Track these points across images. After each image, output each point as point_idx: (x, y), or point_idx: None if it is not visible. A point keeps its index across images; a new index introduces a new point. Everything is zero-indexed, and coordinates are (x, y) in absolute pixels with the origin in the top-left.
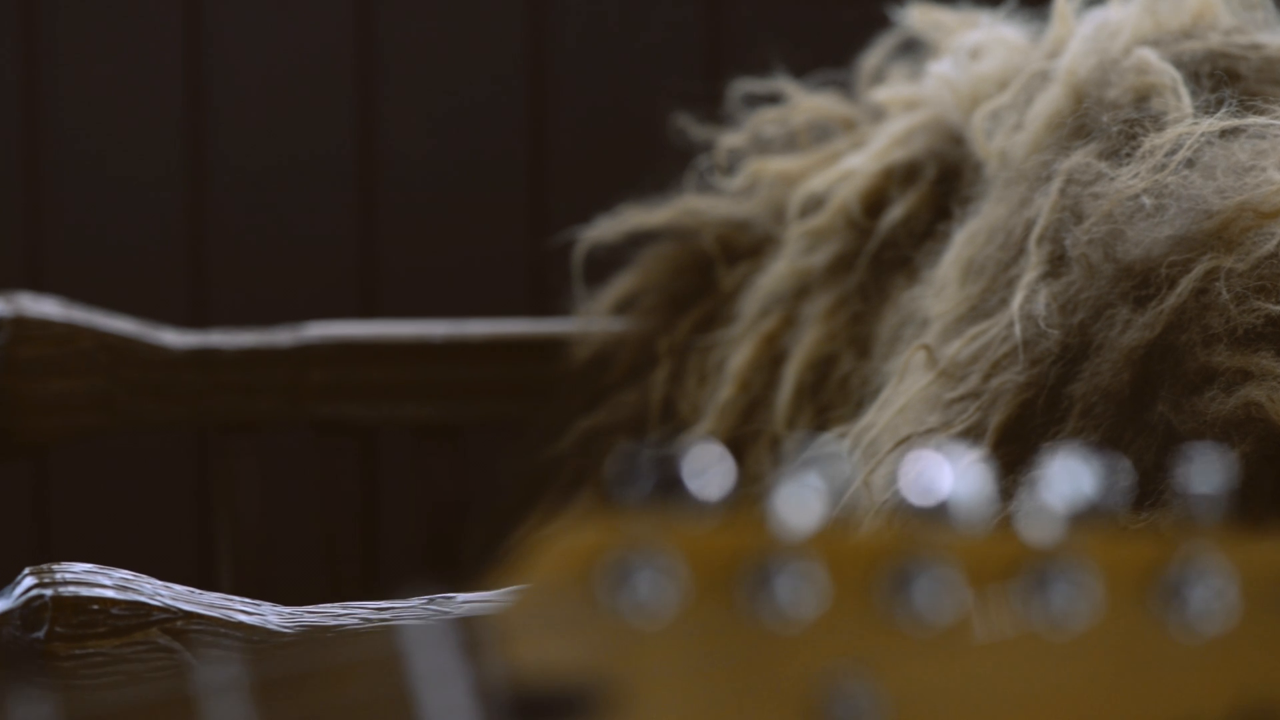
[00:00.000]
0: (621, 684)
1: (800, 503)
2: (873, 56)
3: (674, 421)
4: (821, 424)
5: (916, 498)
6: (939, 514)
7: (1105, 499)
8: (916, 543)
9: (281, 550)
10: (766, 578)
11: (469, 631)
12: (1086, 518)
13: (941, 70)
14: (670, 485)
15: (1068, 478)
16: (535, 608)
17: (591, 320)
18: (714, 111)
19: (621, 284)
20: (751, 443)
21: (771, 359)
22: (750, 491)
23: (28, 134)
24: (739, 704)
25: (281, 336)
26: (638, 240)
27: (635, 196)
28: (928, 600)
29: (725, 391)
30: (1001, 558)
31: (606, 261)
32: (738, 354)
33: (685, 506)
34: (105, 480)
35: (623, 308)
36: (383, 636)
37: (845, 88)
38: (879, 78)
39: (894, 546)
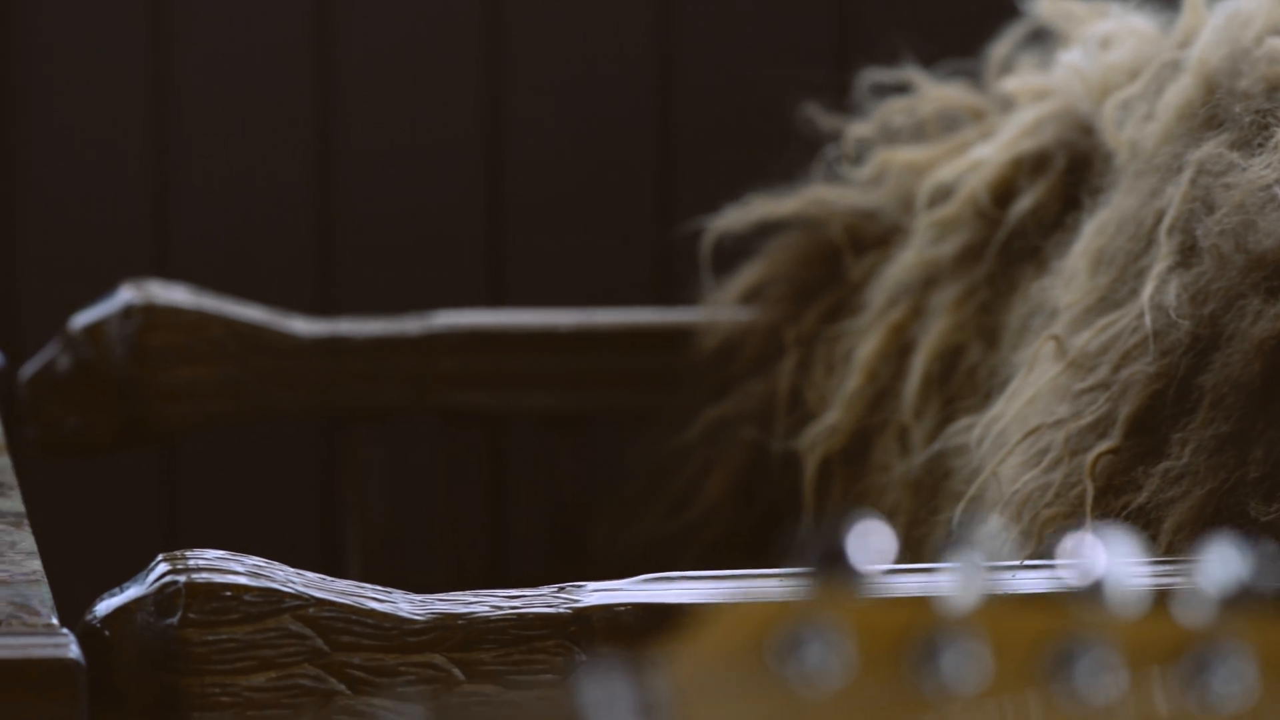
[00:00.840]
0: None
1: (965, 579)
2: (1001, 46)
3: (801, 411)
4: (949, 415)
5: (1075, 577)
6: (1096, 593)
7: (1259, 582)
8: (1078, 622)
9: (407, 538)
10: (933, 652)
11: (644, 693)
12: (1241, 601)
13: (1071, 60)
14: (835, 557)
15: (1222, 562)
16: (709, 673)
17: (719, 310)
18: (842, 101)
19: (749, 273)
20: (879, 433)
21: (899, 349)
22: (910, 559)
23: (156, 120)
24: None
25: (410, 325)
26: (765, 230)
27: (763, 186)
28: (1088, 680)
29: (852, 381)
30: (1161, 640)
31: (734, 251)
32: (865, 344)
33: (851, 579)
34: (231, 467)
35: (750, 297)
36: (562, 697)
37: (973, 78)
38: (1007, 68)
39: (1057, 626)
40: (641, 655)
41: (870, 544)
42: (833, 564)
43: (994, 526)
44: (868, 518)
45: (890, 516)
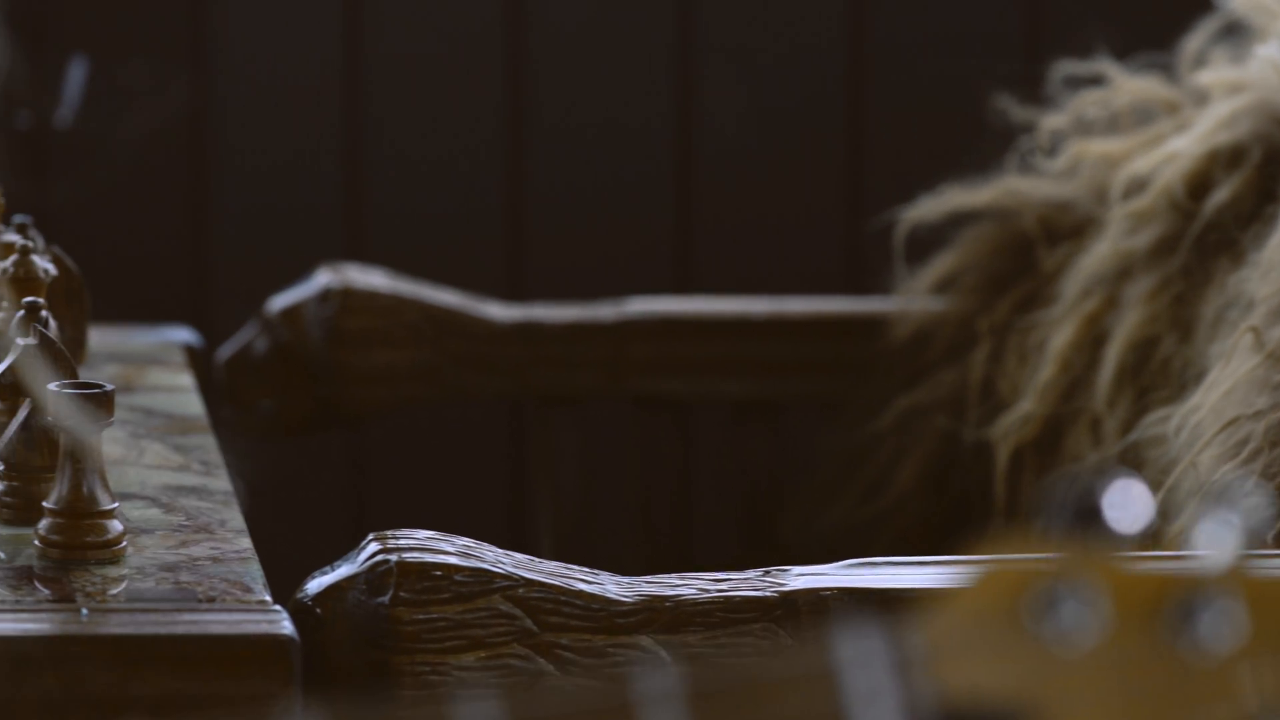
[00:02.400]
0: (1044, 709)
1: (1221, 538)
2: (1195, 39)
3: (993, 401)
4: (1142, 406)
5: None
6: None
7: None
8: None
9: (598, 522)
10: (1190, 612)
11: (899, 651)
12: None
13: (1267, 53)
14: (1090, 516)
15: None
16: (964, 631)
17: (911, 299)
18: (1035, 93)
19: (942, 263)
20: (1071, 423)
21: (1093, 339)
22: (1165, 525)
23: (348, 107)
24: None
25: (603, 311)
26: (958, 220)
27: (955, 176)
28: None
29: (1046, 371)
30: None
31: (926, 240)
32: (1059, 334)
33: (1106, 538)
34: (420, 450)
35: (943, 287)
36: (815, 653)
37: (1167, 70)
38: (1201, 61)
39: None
40: (897, 615)
41: (1127, 503)
42: (1088, 523)
43: (1252, 489)
44: (1124, 476)
45: None
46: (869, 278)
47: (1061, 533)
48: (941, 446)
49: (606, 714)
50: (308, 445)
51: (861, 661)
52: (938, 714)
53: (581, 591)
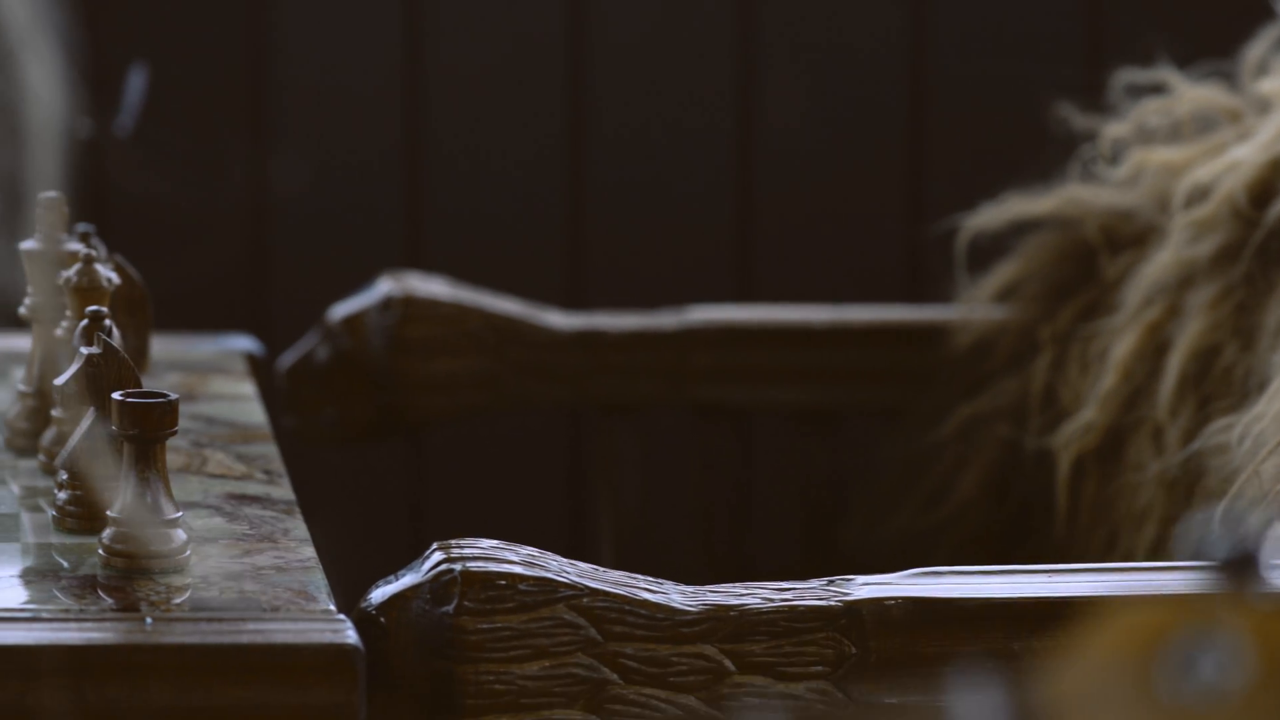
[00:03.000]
0: None
1: None
2: (1257, 47)
3: (1054, 409)
4: (1205, 414)
5: None
6: None
7: None
8: None
9: (659, 530)
10: None
11: (1023, 708)
12: None
13: None
14: (1243, 565)
15: None
16: (1094, 686)
17: (973, 307)
18: (1097, 101)
19: (1004, 272)
20: (1133, 432)
21: (1155, 348)
22: (1162, 557)
23: (409, 114)
24: None
25: (665, 319)
26: (1020, 228)
27: (1017, 185)
28: None
29: (1108, 380)
30: None
31: (988, 249)
32: (1121, 342)
33: (1256, 587)
34: (478, 457)
35: (1004, 295)
36: (923, 711)
37: (1229, 78)
38: (1263, 69)
39: None
40: (1014, 659)
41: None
42: (1241, 567)
43: None
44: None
45: (1143, 515)
46: (930, 286)
47: (1208, 577)
48: (1003, 455)
49: None
50: (369, 453)
51: (980, 715)
52: None
53: (646, 601)
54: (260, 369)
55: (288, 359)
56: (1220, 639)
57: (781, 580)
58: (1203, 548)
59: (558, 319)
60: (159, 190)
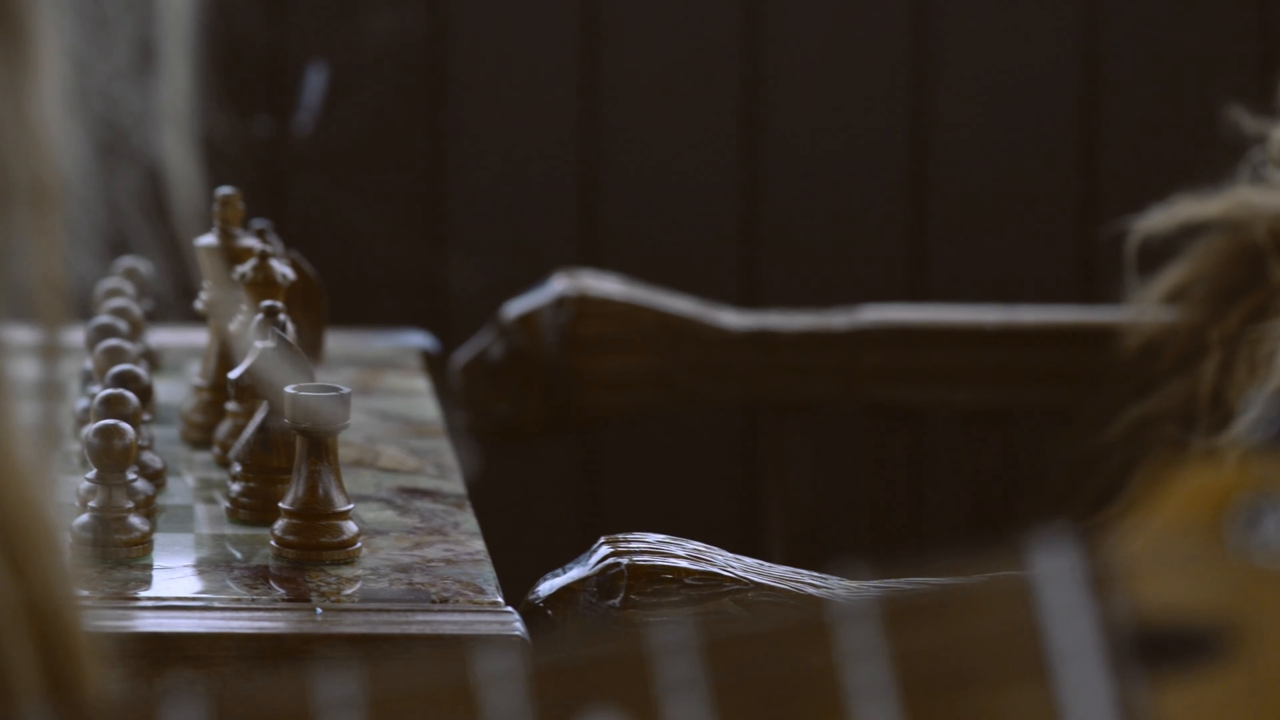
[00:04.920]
0: (1246, 626)
1: None
2: None
3: (1223, 411)
4: None
5: None
6: None
7: None
8: None
9: (830, 526)
10: None
11: (1095, 568)
12: None
13: None
14: None
15: None
16: (1162, 546)
17: (1142, 309)
18: (1268, 105)
19: (1173, 274)
20: None
21: None
22: None
23: (584, 114)
24: None
25: (837, 319)
26: (1190, 231)
27: (1187, 187)
28: None
29: (1276, 382)
30: None
31: (1158, 251)
32: None
33: None
34: (651, 454)
35: (1174, 297)
36: (1011, 569)
37: None
38: None
39: None
40: (1089, 528)
41: None
42: None
43: None
44: None
45: None
46: (1101, 287)
47: (1270, 444)
48: (1171, 456)
49: (807, 630)
50: (542, 450)
51: (1056, 578)
52: (1135, 630)
53: (810, 595)
54: (435, 365)
55: (462, 355)
56: None
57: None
58: (1262, 417)
59: (730, 318)
60: (335, 187)
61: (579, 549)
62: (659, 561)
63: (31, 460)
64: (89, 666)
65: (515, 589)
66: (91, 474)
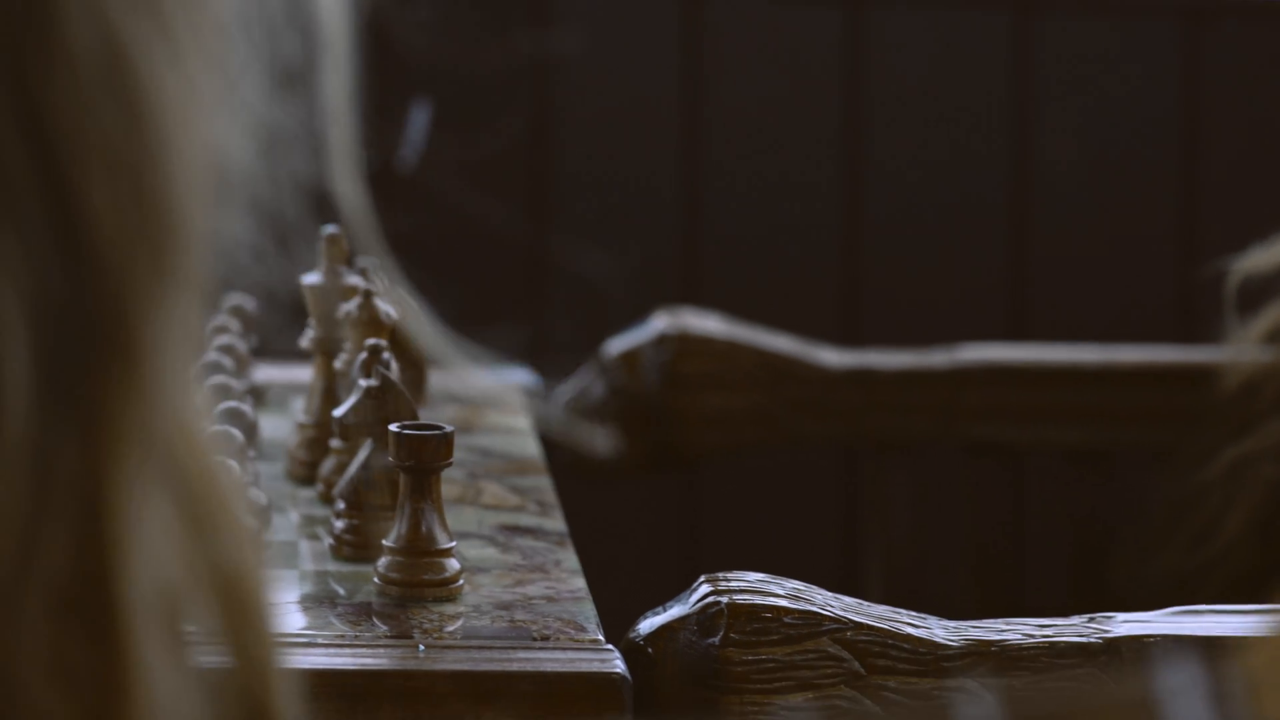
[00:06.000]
0: None
1: None
2: None
3: None
4: None
5: None
6: None
7: None
8: None
9: (930, 565)
10: None
11: (1219, 682)
12: None
13: None
14: None
15: None
16: None
17: (1242, 349)
18: None
19: (1272, 313)
20: None
21: None
22: None
23: (686, 150)
24: None
25: (937, 358)
26: None
27: None
28: None
29: None
30: None
31: (1258, 290)
32: None
33: None
34: (752, 492)
35: (1273, 337)
36: (1136, 682)
37: None
38: None
39: None
40: (1218, 644)
41: None
42: None
43: None
44: None
45: None
46: (1201, 326)
47: None
48: (1270, 495)
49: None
50: (643, 487)
51: (1181, 692)
52: None
53: (909, 635)
54: (537, 402)
55: (564, 393)
56: None
57: (1046, 617)
58: None
59: (830, 356)
60: (439, 225)
61: (680, 587)
62: (759, 600)
63: (248, 524)
64: (288, 714)
65: (617, 626)
66: (193, 372)
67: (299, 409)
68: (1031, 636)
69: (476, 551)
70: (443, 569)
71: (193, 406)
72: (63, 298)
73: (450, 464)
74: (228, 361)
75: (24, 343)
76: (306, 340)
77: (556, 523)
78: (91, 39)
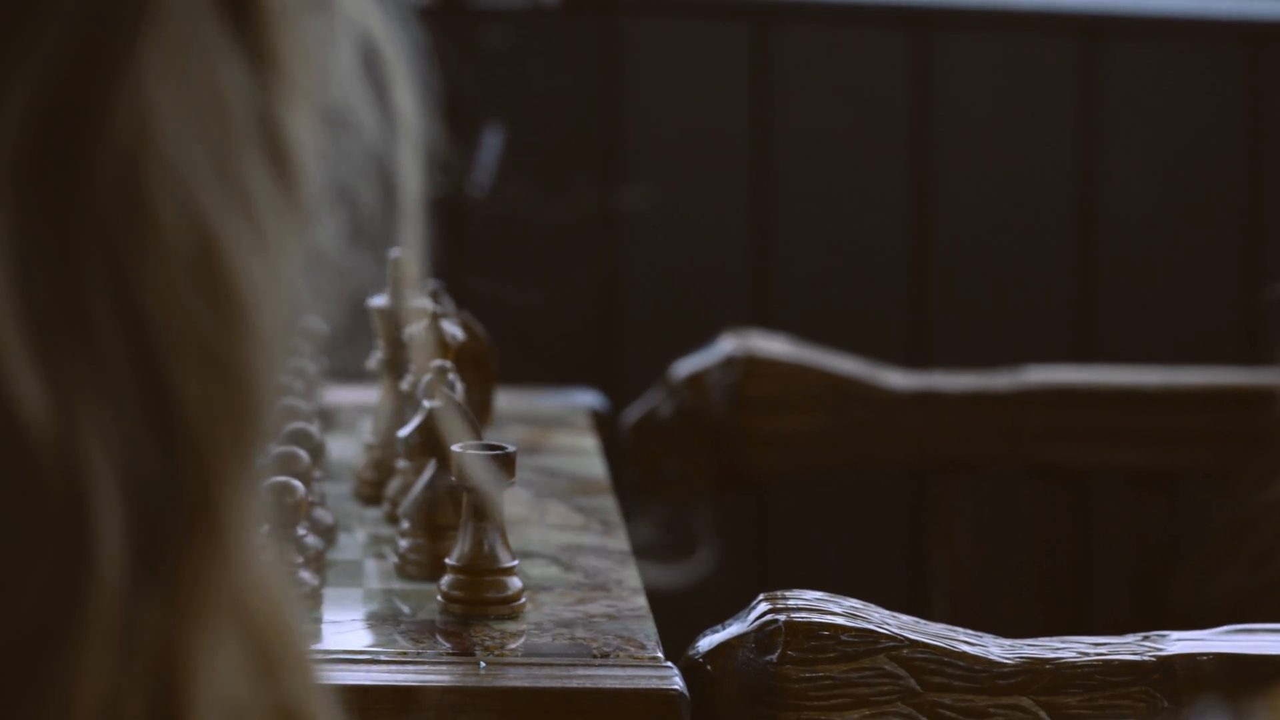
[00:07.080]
0: None
1: None
2: None
3: None
4: None
5: None
6: None
7: None
8: None
9: (994, 585)
10: None
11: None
12: None
13: None
14: None
15: None
16: None
17: None
18: None
19: None
20: None
21: None
22: None
23: (757, 175)
24: None
25: (1001, 380)
26: None
27: None
28: None
29: None
30: None
31: None
32: None
33: None
34: (820, 512)
35: None
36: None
37: None
38: None
39: None
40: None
41: None
42: None
43: None
44: None
45: None
46: (1264, 349)
47: None
48: None
49: None
50: (711, 507)
51: None
52: None
53: (965, 653)
54: (604, 424)
55: (632, 414)
56: None
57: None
58: None
59: (896, 378)
60: (509, 248)
61: (746, 604)
62: (816, 618)
63: (276, 567)
64: None
65: (683, 645)
66: (263, 529)
67: (367, 430)
68: (1086, 654)
69: (540, 570)
70: (505, 587)
71: (261, 554)
72: (153, 475)
73: (513, 484)
74: (297, 384)
75: (119, 517)
76: (374, 362)
77: (620, 542)
78: (184, 231)
